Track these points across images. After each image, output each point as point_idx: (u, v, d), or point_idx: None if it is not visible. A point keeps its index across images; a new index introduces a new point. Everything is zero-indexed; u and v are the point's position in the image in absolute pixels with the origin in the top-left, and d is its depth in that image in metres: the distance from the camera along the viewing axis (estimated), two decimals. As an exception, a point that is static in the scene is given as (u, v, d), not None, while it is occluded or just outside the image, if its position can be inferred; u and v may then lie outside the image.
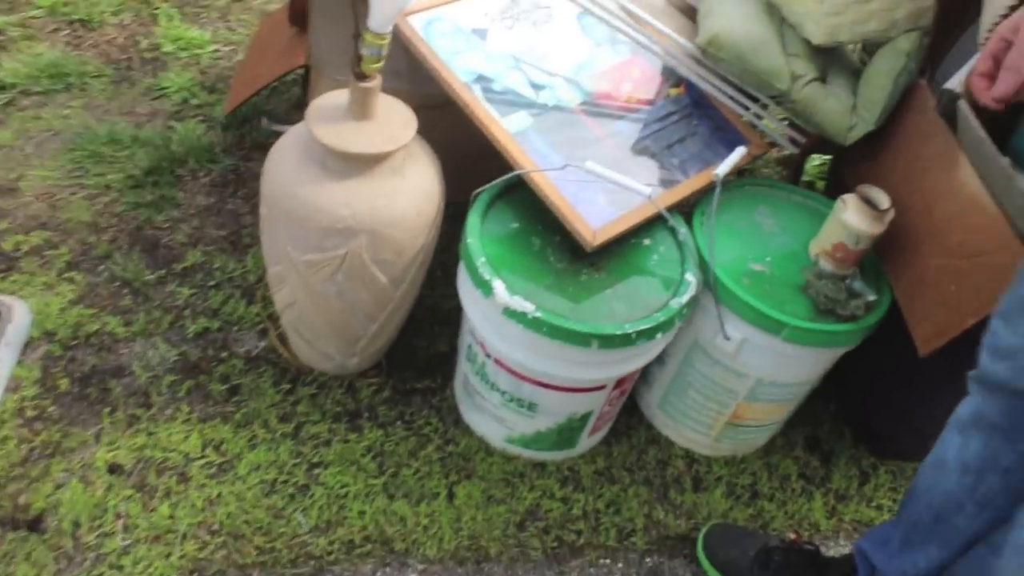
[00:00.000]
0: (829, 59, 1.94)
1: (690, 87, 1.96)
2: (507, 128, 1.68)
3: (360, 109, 1.64)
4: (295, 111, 2.64)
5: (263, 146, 2.50)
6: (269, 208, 1.72)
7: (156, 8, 2.92)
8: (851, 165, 1.96)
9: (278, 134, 2.56)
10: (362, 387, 1.94)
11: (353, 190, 1.63)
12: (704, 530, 1.73)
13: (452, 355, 2.05)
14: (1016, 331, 1.11)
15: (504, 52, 1.80)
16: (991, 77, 1.08)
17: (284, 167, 1.67)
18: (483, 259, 1.59)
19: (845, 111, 1.86)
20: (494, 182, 1.71)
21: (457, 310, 1.76)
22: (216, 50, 2.82)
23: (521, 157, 1.65)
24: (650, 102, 1.88)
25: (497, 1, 1.90)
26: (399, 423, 1.90)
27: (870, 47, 1.96)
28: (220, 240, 2.23)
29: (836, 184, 2.07)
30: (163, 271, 2.13)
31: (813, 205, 1.92)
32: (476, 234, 1.64)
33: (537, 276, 1.61)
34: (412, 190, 1.67)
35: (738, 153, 1.81)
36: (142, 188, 2.31)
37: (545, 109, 1.75)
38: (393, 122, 1.67)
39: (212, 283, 2.12)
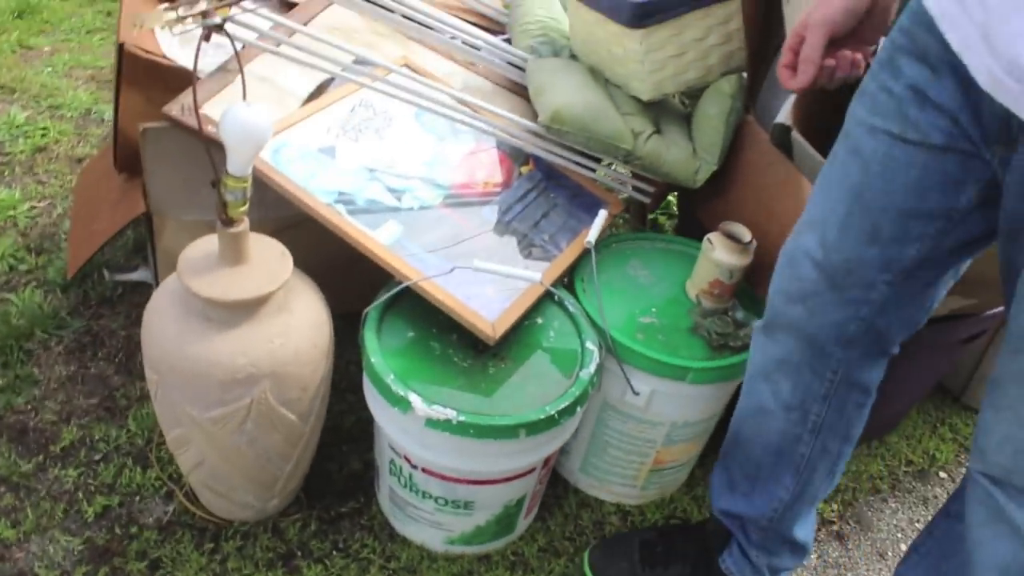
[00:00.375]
0: (659, 111, 2.06)
1: (538, 162, 2.04)
2: (381, 240, 1.70)
3: (233, 254, 1.61)
4: (134, 256, 2.55)
5: (110, 300, 2.40)
6: (158, 372, 1.65)
7: (-47, 177, 2.76)
8: (703, 204, 2.09)
9: (125, 284, 2.47)
10: (287, 527, 1.89)
11: (245, 337, 1.60)
12: (586, 556, 1.77)
13: (368, 471, 2.02)
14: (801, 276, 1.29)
15: (356, 165, 1.82)
16: (793, 68, 1.22)
17: (165, 327, 1.62)
18: (391, 375, 1.59)
19: (688, 157, 1.98)
20: (381, 297, 1.72)
21: (359, 424, 1.75)
22: (31, 207, 2.69)
23: (404, 267, 1.66)
24: (506, 184, 1.94)
25: (334, 117, 1.91)
26: (335, 553, 1.86)
27: (692, 93, 2.10)
28: (93, 409, 2.12)
29: (687, 222, 2.20)
30: (40, 457, 2.00)
31: (677, 248, 2.03)
32: (377, 351, 1.64)
33: (447, 379, 1.63)
34: (303, 323, 1.66)
35: (602, 216, 1.90)
36: (-8, 374, 2.16)
37: (411, 212, 1.78)
38: (268, 259, 1.65)
39: (98, 457, 2.01)
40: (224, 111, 1.49)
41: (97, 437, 2.05)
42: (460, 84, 2.18)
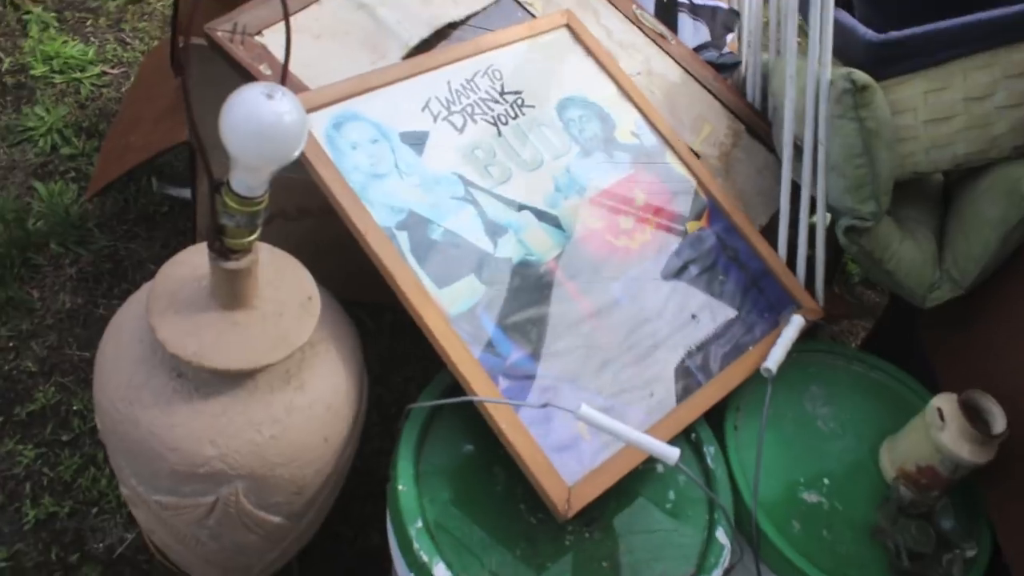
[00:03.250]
0: (904, 189, 1.38)
1: (714, 215, 1.40)
2: (446, 308, 1.13)
3: (229, 297, 1.08)
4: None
5: (151, 217, 1.92)
6: (101, 423, 1.17)
7: (26, 13, 2.28)
8: (935, 331, 1.42)
9: (175, 200, 1.99)
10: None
11: (223, 416, 1.09)
12: None
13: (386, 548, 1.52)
14: None
15: (449, 171, 1.23)
16: None
17: (119, 368, 1.12)
18: (419, 524, 1.07)
19: (926, 262, 1.32)
20: (432, 401, 1.17)
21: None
22: (102, 73, 2.20)
23: (469, 367, 1.10)
24: (659, 248, 1.32)
25: (442, 85, 1.31)
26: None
27: (960, 172, 1.40)
28: (84, 366, 1.67)
29: (898, 334, 1.54)
30: (0, 418, 1.57)
31: (880, 380, 1.39)
32: (410, 476, 1.11)
33: (501, 541, 1.09)
34: (315, 406, 1.13)
35: (795, 327, 1.27)
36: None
37: (504, 267, 1.19)
38: (283, 306, 1.12)
39: (67, 438, 1.57)
40: (231, 98, 0.93)
41: (75, 408, 1.61)
42: (637, 65, 1.53)
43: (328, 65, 1.34)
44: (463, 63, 1.37)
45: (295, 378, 1.14)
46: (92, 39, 2.26)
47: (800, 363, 1.37)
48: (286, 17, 1.02)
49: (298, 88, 1.29)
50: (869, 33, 1.34)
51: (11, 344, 1.70)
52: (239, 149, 0.96)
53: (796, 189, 1.41)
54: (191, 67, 1.36)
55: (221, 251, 1.03)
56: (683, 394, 1.25)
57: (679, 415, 1.23)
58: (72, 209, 1.91)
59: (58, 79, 2.12)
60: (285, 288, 1.15)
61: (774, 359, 1.25)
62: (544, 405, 1.07)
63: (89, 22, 2.32)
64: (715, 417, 1.28)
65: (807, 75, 1.35)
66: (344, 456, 1.22)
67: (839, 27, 1.38)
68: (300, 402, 1.13)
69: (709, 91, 1.58)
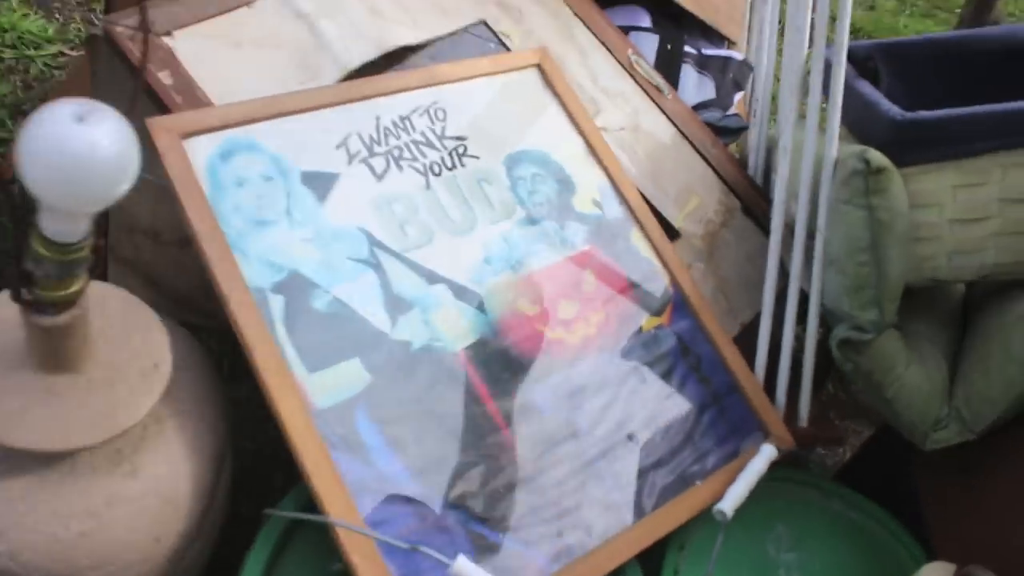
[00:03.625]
0: (916, 294, 1.14)
1: (678, 312, 1.16)
2: (311, 397, 0.90)
3: (45, 357, 0.86)
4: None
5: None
6: None
7: (-5, -23, 2.10)
8: (930, 475, 1.17)
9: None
10: None
11: (21, 504, 0.89)
12: None
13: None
14: None
15: (354, 226, 1.01)
16: None
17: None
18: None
19: (934, 393, 1.07)
20: (290, 512, 0.94)
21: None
22: (59, 54, 2.01)
23: (324, 477, 0.87)
24: (602, 346, 1.08)
25: (370, 119, 1.09)
26: None
27: (987, 286, 1.15)
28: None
29: (885, 464, 1.29)
30: None
31: (862, 523, 1.15)
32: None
33: None
34: (148, 497, 0.92)
35: (761, 460, 1.04)
36: None
37: (399, 353, 0.97)
38: (120, 372, 0.91)
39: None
40: (31, 120, 0.72)
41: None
42: (622, 119, 1.29)
43: (246, 81, 1.13)
44: (400, 96, 1.15)
45: (127, 461, 0.92)
46: (57, 15, 2.07)
47: (763, 495, 1.12)
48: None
49: (201, 104, 1.07)
50: (894, 109, 1.10)
51: None
52: (41, 187, 0.74)
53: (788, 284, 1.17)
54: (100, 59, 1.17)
55: (33, 303, 0.82)
56: (604, 534, 1.01)
57: (596, 561, 0.99)
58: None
59: (8, 54, 1.93)
60: (128, 349, 0.93)
61: (731, 500, 1.01)
62: (414, 548, 0.84)
63: (60, -5, 2.13)
64: (652, 556, 1.04)
65: (808, 148, 1.11)
66: (185, 560, 0.99)
67: (860, 99, 1.14)
68: (129, 491, 0.92)
69: (704, 158, 1.34)
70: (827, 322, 1.16)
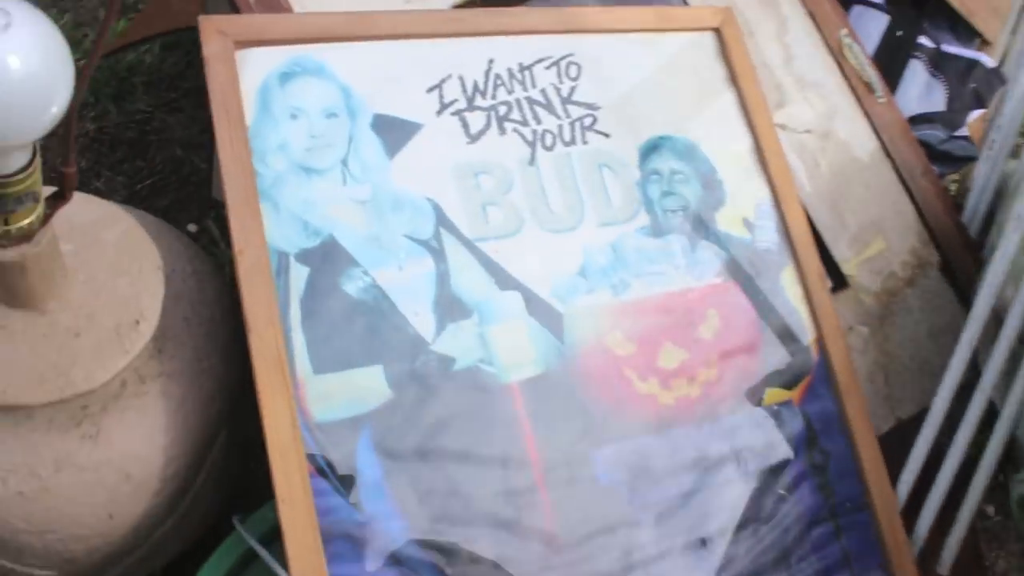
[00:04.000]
0: None
1: (817, 389, 0.88)
2: (310, 405, 0.72)
3: (9, 292, 0.70)
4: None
5: (204, 95, 1.57)
6: None
7: None
8: None
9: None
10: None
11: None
12: None
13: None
14: None
15: (422, 195, 0.80)
16: None
17: None
18: None
19: None
20: (250, 538, 0.77)
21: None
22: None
23: (296, 514, 0.68)
24: (704, 415, 0.83)
25: (478, 60, 0.86)
26: None
27: None
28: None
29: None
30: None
31: None
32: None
33: None
34: (104, 468, 0.78)
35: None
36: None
37: (436, 368, 0.77)
38: (92, 321, 0.75)
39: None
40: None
41: None
42: (812, 119, 1.00)
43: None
44: (526, 39, 0.90)
45: (91, 421, 0.76)
46: None
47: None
48: None
49: (274, 8, 0.86)
50: None
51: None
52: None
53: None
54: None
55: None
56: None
57: None
58: (126, 57, 1.58)
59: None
60: (109, 295, 0.76)
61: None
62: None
63: None
64: None
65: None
66: (151, 542, 0.83)
67: None
68: (83, 457, 0.76)
69: (907, 188, 1.03)
70: (1012, 457, 0.85)
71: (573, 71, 0.91)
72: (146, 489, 0.78)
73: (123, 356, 0.74)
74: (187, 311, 0.82)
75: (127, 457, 0.77)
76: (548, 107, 0.89)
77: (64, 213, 0.75)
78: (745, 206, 0.94)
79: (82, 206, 0.78)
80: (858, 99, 1.05)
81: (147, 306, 0.76)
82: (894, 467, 0.91)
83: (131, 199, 1.39)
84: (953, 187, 1.09)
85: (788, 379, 0.89)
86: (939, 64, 1.14)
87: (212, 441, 0.83)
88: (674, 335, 0.86)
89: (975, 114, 1.13)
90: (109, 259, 0.76)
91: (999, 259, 0.83)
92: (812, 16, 1.06)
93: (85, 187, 1.41)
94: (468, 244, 0.82)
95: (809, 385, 0.90)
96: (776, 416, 0.88)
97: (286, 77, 0.82)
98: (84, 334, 0.73)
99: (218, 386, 0.83)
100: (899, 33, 1.14)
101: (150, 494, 0.79)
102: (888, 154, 1.04)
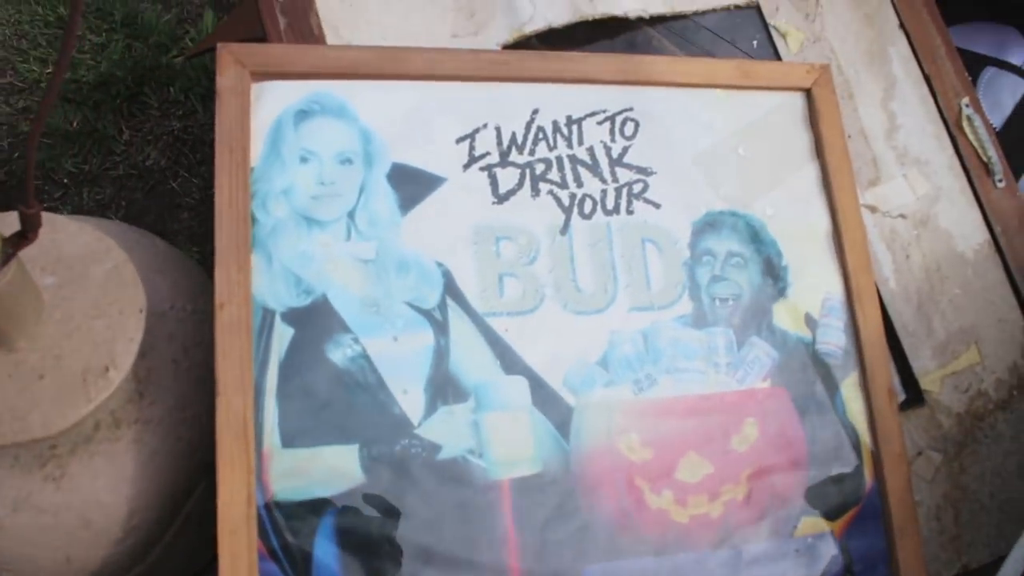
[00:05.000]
0: None
1: (866, 522, 0.76)
2: (271, 481, 0.67)
3: None
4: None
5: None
6: None
7: None
8: None
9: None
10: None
11: None
12: None
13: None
14: None
15: (432, 259, 0.73)
16: None
17: None
18: None
19: None
20: None
21: None
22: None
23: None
24: (721, 540, 0.73)
25: (521, 108, 0.77)
26: None
27: None
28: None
29: None
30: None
31: None
32: None
33: None
34: (64, 513, 0.77)
35: None
36: None
37: (419, 454, 0.71)
38: (60, 363, 0.71)
39: None
40: None
41: None
42: (911, 201, 0.88)
43: (379, 16, 0.83)
44: (579, 88, 0.80)
45: (56, 463, 0.73)
46: None
47: None
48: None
49: (306, 37, 0.80)
50: None
51: (65, 181, 1.42)
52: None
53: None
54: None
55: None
56: None
57: None
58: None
59: None
60: (83, 337, 0.71)
61: None
62: None
63: None
64: None
65: None
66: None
67: None
68: (44, 500, 0.73)
69: (1016, 293, 0.88)
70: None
71: (629, 128, 0.81)
72: (107, 537, 0.75)
73: (85, 404, 0.69)
74: (177, 353, 0.77)
75: (89, 503, 0.73)
76: (594, 168, 0.80)
77: (54, 242, 0.71)
78: (810, 300, 0.81)
79: (76, 236, 0.74)
80: (971, 181, 0.91)
81: (120, 352, 0.71)
82: (951, 623, 0.78)
83: (203, 202, 1.37)
84: (1077, 294, 0.93)
85: (832, 508, 0.77)
86: (1082, 145, 0.97)
87: (188, 494, 0.79)
88: (700, 444, 0.75)
89: (1119, 209, 0.96)
90: (91, 297, 0.72)
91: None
92: (928, 80, 0.92)
93: (162, 186, 1.40)
94: (476, 318, 0.74)
95: (856, 517, 0.78)
96: (810, 551, 0.76)
97: (303, 115, 0.75)
98: (49, 377, 0.69)
99: (200, 436, 0.78)
100: (1036, 104, 0.98)
101: (111, 542, 0.75)
102: (999, 249, 0.90)
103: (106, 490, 0.74)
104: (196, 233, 1.35)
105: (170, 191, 1.35)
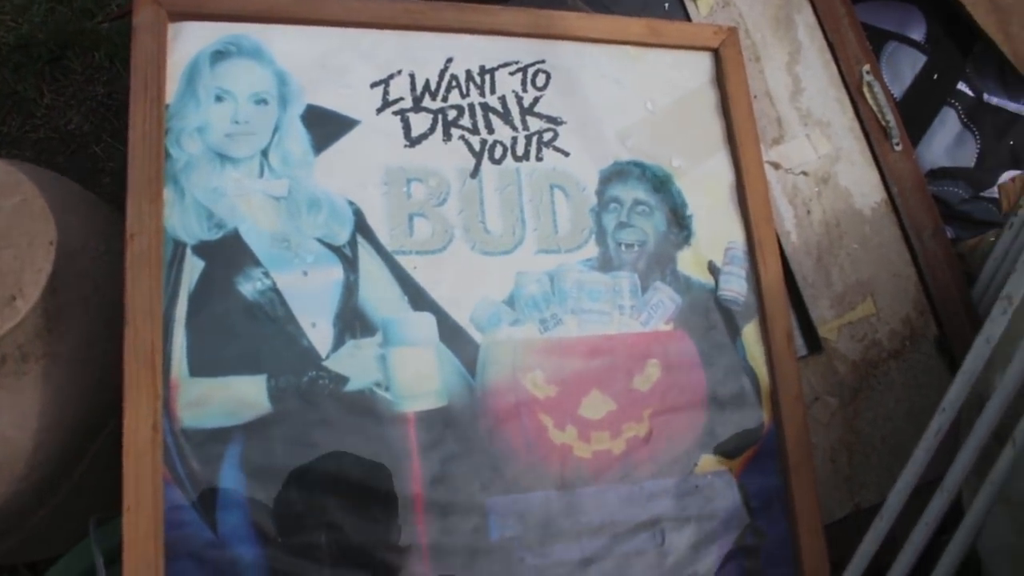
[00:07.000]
0: None
1: (763, 460, 0.79)
2: (179, 408, 0.68)
3: None
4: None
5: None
6: None
7: None
8: None
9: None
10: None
11: None
12: None
13: None
14: None
15: (343, 197, 0.75)
16: None
17: None
18: None
19: None
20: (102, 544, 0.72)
21: None
22: None
23: (141, 525, 0.64)
24: (623, 475, 0.76)
25: (435, 56, 0.79)
26: None
27: None
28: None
29: None
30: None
31: None
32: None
33: None
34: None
35: None
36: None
37: (325, 385, 0.72)
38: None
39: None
40: None
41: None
42: (813, 160, 0.91)
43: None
44: (494, 39, 0.83)
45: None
46: None
47: None
48: None
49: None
50: None
51: (-23, 140, 1.40)
52: None
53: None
54: None
55: None
56: None
57: None
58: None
59: None
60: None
61: None
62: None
63: None
64: None
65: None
66: (24, 528, 0.79)
67: None
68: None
69: (910, 249, 0.93)
70: (969, 568, 0.75)
71: (541, 80, 0.84)
72: (11, 473, 0.74)
73: (40, 273, 0.69)
74: (89, 292, 0.78)
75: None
76: (505, 116, 0.82)
77: (-41, 174, 0.71)
78: (714, 248, 0.85)
79: (-17, 169, 0.74)
80: (870, 144, 0.95)
81: (28, 282, 0.71)
82: (845, 559, 0.81)
83: (126, 167, 1.37)
84: (968, 255, 0.97)
85: (731, 447, 0.80)
86: (976, 115, 1.02)
87: (96, 432, 0.79)
88: (603, 383, 0.78)
89: (1008, 175, 1.01)
90: (1, 224, 0.72)
91: (981, 342, 0.73)
92: (832, 47, 0.96)
93: (84, 150, 1.39)
94: (385, 256, 0.75)
95: (754, 456, 0.81)
96: (708, 487, 0.79)
97: (218, 56, 0.76)
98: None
99: (109, 375, 0.78)
100: (936, 76, 1.03)
101: (15, 478, 0.75)
102: (895, 208, 0.94)
103: (10, 424, 0.74)
104: (118, 197, 1.34)
105: (92, 155, 1.34)
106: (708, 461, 0.79)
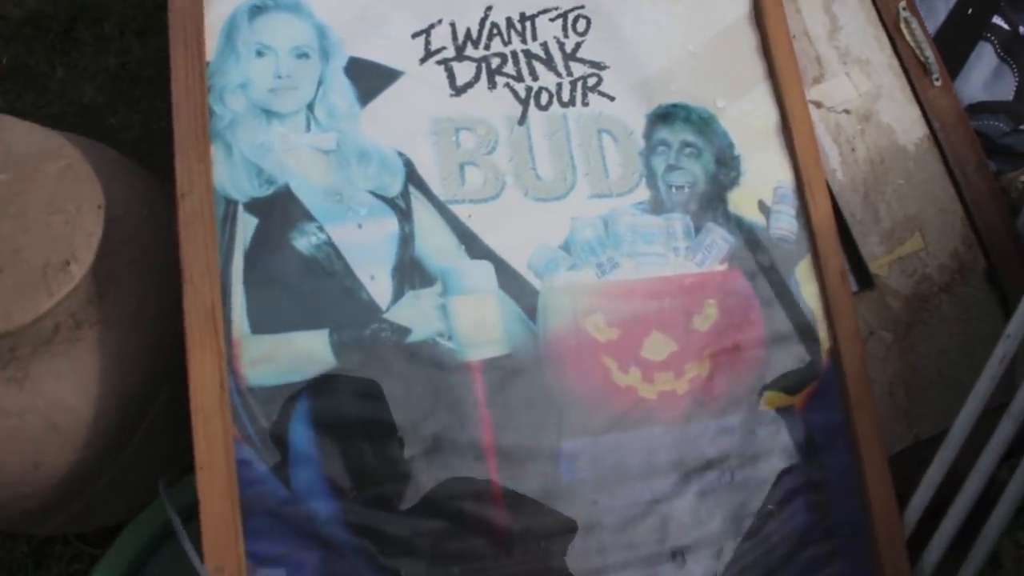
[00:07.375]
0: None
1: (823, 397, 0.79)
2: (243, 367, 0.66)
3: None
4: None
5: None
6: None
7: None
8: None
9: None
10: None
11: None
12: None
13: None
14: None
15: (393, 148, 0.75)
16: None
17: None
18: None
19: None
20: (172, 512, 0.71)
21: None
22: None
23: (218, 496, 0.62)
24: (689, 416, 0.74)
25: (475, 5, 0.78)
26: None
27: None
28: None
29: None
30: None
31: None
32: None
33: None
34: (29, 415, 0.76)
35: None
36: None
37: (388, 339, 0.72)
38: (17, 258, 0.70)
39: None
40: None
41: None
42: (854, 98, 0.90)
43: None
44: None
45: (18, 364, 0.72)
46: None
47: None
48: None
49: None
50: None
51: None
52: None
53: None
54: None
55: None
56: None
57: None
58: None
59: None
60: (41, 232, 0.70)
61: None
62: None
63: None
64: None
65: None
66: (85, 497, 0.78)
67: None
68: (8, 402, 0.72)
69: (955, 184, 0.92)
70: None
71: (581, 25, 0.83)
72: (74, 441, 0.74)
73: (47, 298, 0.68)
74: (136, 255, 0.76)
75: (54, 406, 0.72)
76: (548, 62, 0.81)
77: (2, 141, 0.69)
78: (763, 188, 0.84)
79: (26, 135, 0.73)
80: (910, 80, 0.94)
81: (80, 246, 0.70)
82: (905, 491, 0.80)
83: (144, 139, 1.35)
84: (1011, 188, 0.97)
85: (792, 383, 0.80)
86: (1012, 48, 1.01)
87: (153, 397, 0.78)
88: (664, 324, 0.77)
89: (1048, 106, 1.00)
90: (46, 194, 0.71)
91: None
92: (867, -16, 0.95)
93: (100, 123, 1.37)
94: (439, 205, 0.75)
95: (815, 391, 0.80)
96: (773, 422, 0.78)
97: (257, 11, 0.75)
98: (7, 271, 0.68)
99: (164, 338, 0.78)
100: (970, 11, 1.02)
101: (78, 447, 0.74)
102: (937, 143, 0.93)
103: (71, 392, 0.73)
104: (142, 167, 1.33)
105: (109, 127, 1.33)
106: (771, 397, 0.79)
